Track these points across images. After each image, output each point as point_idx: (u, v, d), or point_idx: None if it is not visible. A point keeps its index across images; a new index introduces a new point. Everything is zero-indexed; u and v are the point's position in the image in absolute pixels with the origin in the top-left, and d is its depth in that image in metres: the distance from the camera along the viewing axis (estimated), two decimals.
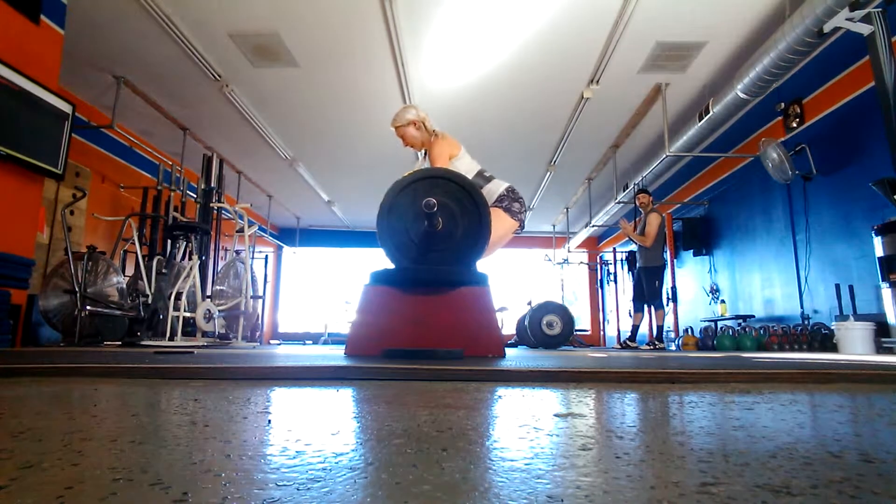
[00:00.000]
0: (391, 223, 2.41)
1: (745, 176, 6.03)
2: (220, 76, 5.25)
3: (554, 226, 10.93)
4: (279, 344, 9.65)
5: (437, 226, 2.31)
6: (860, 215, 4.25)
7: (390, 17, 4.27)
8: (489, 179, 2.93)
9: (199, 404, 0.79)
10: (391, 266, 2.54)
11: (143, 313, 4.32)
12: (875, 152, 4.02)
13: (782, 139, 5.15)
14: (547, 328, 6.39)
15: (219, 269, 6.20)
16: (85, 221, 5.49)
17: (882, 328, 3.81)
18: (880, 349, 3.84)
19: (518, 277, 12.26)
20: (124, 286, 4.54)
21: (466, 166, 2.91)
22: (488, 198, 2.84)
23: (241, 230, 5.19)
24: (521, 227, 2.94)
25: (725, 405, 0.83)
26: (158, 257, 4.66)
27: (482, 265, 2.82)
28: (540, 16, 4.35)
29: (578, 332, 9.55)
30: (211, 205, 5.62)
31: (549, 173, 7.84)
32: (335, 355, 2.34)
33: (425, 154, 3.13)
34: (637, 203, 6.22)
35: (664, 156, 5.95)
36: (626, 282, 9.46)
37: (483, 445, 0.51)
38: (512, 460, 0.44)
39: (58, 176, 3.67)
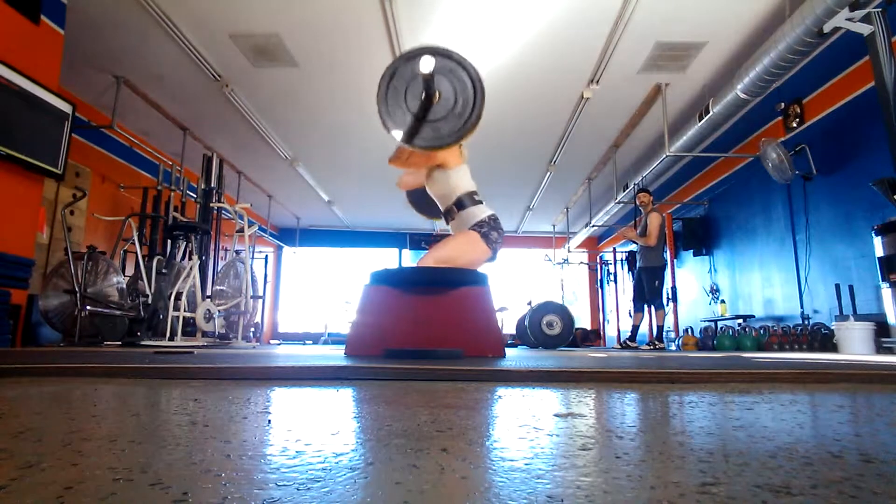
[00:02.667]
0: (391, 89, 2.39)
1: (745, 176, 6.03)
2: (220, 76, 5.25)
3: (554, 226, 10.93)
4: (279, 344, 9.65)
5: (433, 97, 2.30)
6: (860, 215, 4.25)
7: (390, 18, 4.27)
8: (477, 203, 2.86)
9: (199, 404, 0.79)
10: (391, 266, 2.55)
11: (143, 313, 4.32)
12: (875, 152, 4.02)
13: (782, 139, 5.15)
14: (547, 328, 6.39)
15: (219, 269, 6.20)
16: (85, 221, 5.50)
17: (882, 328, 3.81)
18: (880, 349, 3.84)
19: (518, 277, 12.26)
20: (124, 286, 4.54)
21: (465, 182, 2.86)
22: (469, 219, 2.79)
23: (241, 230, 5.20)
24: (493, 256, 2.84)
25: (725, 405, 0.83)
26: (158, 257, 4.66)
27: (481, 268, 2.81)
28: (540, 16, 4.35)
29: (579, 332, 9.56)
30: (211, 205, 5.61)
31: (549, 173, 7.84)
32: (335, 355, 2.34)
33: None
34: (637, 203, 6.22)
35: (664, 156, 5.95)
36: (626, 282, 9.46)
37: (483, 445, 0.51)
38: (512, 460, 0.44)
39: (58, 176, 3.67)
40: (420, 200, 3.50)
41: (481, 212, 2.83)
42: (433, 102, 2.32)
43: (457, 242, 2.76)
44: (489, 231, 2.78)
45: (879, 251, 3.65)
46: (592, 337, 9.97)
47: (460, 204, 2.84)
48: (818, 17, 3.54)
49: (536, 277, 12.00)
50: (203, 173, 5.68)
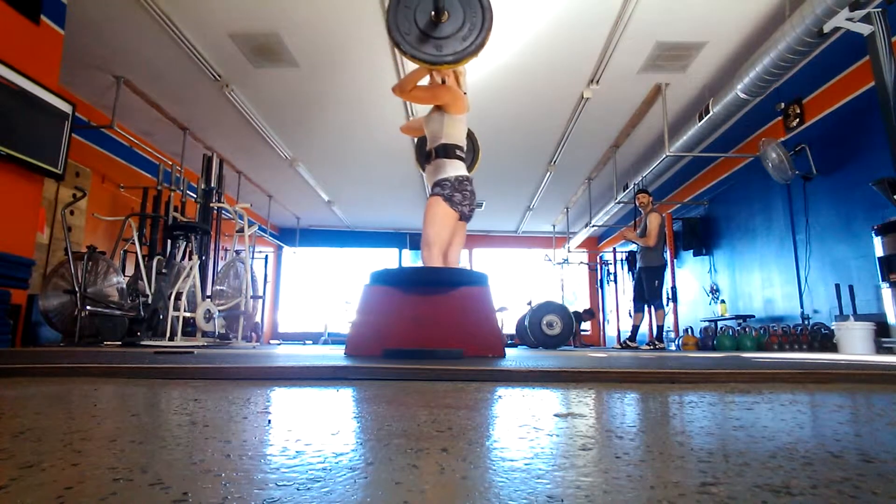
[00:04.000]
0: (399, 14, 2.42)
1: (745, 176, 6.03)
2: (220, 76, 5.25)
3: (554, 226, 10.93)
4: (279, 344, 9.65)
5: (441, 14, 2.35)
6: (860, 215, 4.25)
7: None
8: (455, 158, 2.84)
9: (199, 404, 0.79)
10: (391, 265, 2.55)
11: (143, 313, 4.31)
12: (875, 152, 4.02)
13: (782, 139, 5.15)
14: (547, 328, 6.39)
15: (219, 269, 6.20)
16: (85, 221, 5.49)
17: (882, 328, 3.81)
18: (880, 349, 3.84)
19: (518, 277, 12.26)
20: (124, 286, 4.54)
21: (456, 133, 2.87)
22: (438, 171, 2.82)
23: (241, 230, 5.20)
24: (465, 218, 2.87)
25: (725, 405, 0.83)
26: (158, 257, 4.66)
27: (480, 265, 2.81)
28: (540, 16, 4.35)
29: (581, 333, 9.55)
30: (211, 205, 5.61)
31: (549, 173, 7.84)
32: (335, 355, 2.34)
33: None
34: (637, 203, 6.22)
35: (664, 156, 5.95)
36: (626, 282, 9.46)
37: (483, 445, 0.51)
38: (512, 460, 0.44)
39: (58, 176, 3.67)
40: (422, 151, 3.51)
41: (452, 169, 2.82)
42: (441, 21, 2.38)
43: (426, 218, 2.80)
44: (452, 193, 2.78)
45: (879, 251, 3.65)
46: (587, 316, 9.93)
47: (440, 150, 2.85)
48: (818, 17, 3.54)
49: (536, 277, 12.00)
50: (203, 173, 5.68)
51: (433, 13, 2.40)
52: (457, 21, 2.42)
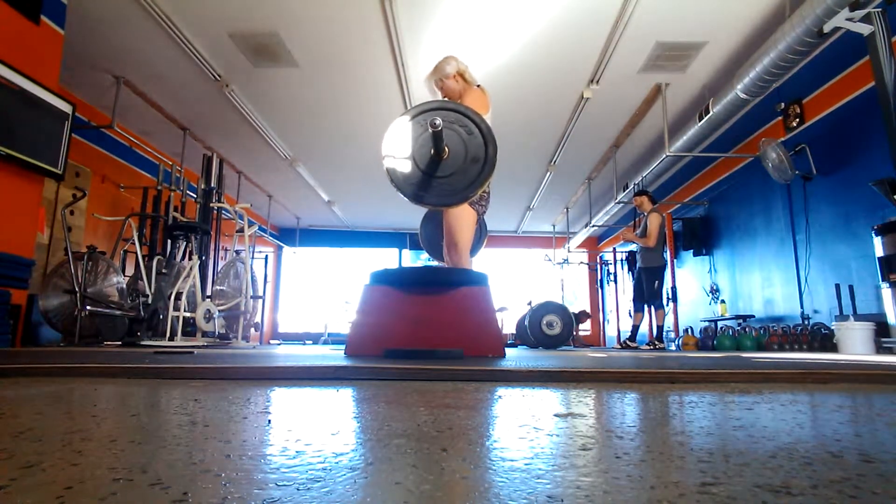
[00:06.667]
0: (399, 145, 2.38)
1: (745, 176, 6.03)
2: (220, 76, 5.24)
3: (554, 226, 10.93)
4: (279, 344, 9.65)
5: (442, 152, 2.28)
6: (860, 215, 4.25)
7: (390, 18, 4.27)
8: None
9: (199, 404, 0.79)
10: (391, 265, 2.55)
11: (143, 313, 4.31)
12: (875, 152, 4.02)
13: (782, 139, 5.15)
14: (547, 328, 6.39)
15: (219, 269, 6.20)
16: (85, 221, 5.50)
17: (882, 328, 3.81)
18: (880, 349, 3.84)
19: (518, 277, 12.26)
20: (124, 286, 4.54)
21: None
22: None
23: (241, 230, 5.20)
24: (479, 216, 2.95)
25: (725, 405, 0.83)
26: (158, 257, 4.66)
27: (480, 265, 2.82)
28: (540, 16, 4.35)
29: (581, 333, 9.54)
30: (211, 205, 5.61)
31: (549, 173, 7.84)
32: (335, 355, 2.34)
33: None
34: (635, 205, 6.22)
35: (664, 156, 5.95)
36: (626, 282, 9.46)
37: (483, 445, 0.51)
38: (512, 460, 0.44)
39: (58, 176, 3.67)
40: None
41: None
42: (443, 158, 2.29)
43: (455, 224, 2.83)
44: None
45: (879, 251, 3.65)
46: (584, 317, 9.94)
47: None
48: (818, 17, 3.54)
49: (536, 277, 12.00)
50: (203, 173, 5.68)
51: (432, 153, 2.29)
52: (458, 153, 2.32)
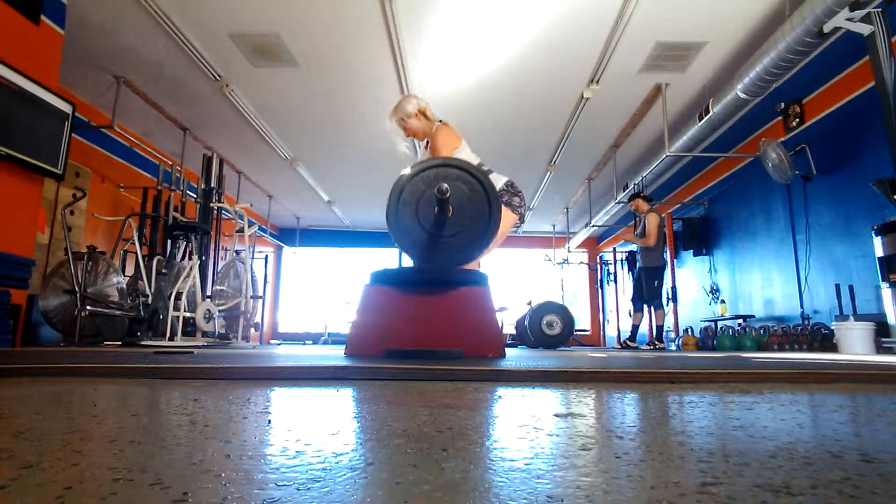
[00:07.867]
0: (400, 214, 2.35)
1: (745, 176, 6.03)
2: (220, 76, 5.25)
3: (554, 226, 10.93)
4: (279, 344, 9.65)
5: (447, 212, 2.26)
6: (860, 215, 4.25)
7: (390, 18, 4.27)
8: (488, 173, 2.92)
9: (199, 404, 0.79)
10: (391, 265, 2.54)
11: (143, 313, 4.31)
12: (875, 152, 4.02)
13: (782, 139, 5.15)
14: (547, 328, 6.39)
15: (219, 269, 6.20)
16: (85, 221, 5.49)
17: (882, 328, 3.80)
18: (880, 349, 3.84)
19: (518, 277, 12.26)
20: (124, 286, 4.54)
21: (466, 158, 2.90)
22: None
23: (241, 230, 5.20)
24: (522, 220, 2.95)
25: (725, 405, 0.83)
26: (158, 257, 4.66)
27: (483, 264, 2.82)
28: (540, 16, 4.35)
29: (578, 332, 9.55)
30: (211, 205, 5.61)
31: (549, 173, 7.84)
32: (335, 355, 2.34)
33: (427, 144, 3.10)
34: (632, 208, 6.22)
35: (664, 156, 5.95)
36: (626, 282, 9.46)
37: (483, 445, 0.51)
38: (512, 460, 0.44)
39: (58, 176, 3.67)
40: None
41: (497, 181, 2.86)
42: (447, 217, 2.27)
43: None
44: (510, 198, 2.87)
45: (879, 251, 3.65)
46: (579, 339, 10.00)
47: None
48: (818, 17, 3.54)
49: (536, 277, 12.00)
50: (203, 173, 5.67)
51: (437, 212, 2.26)
52: (463, 209, 2.29)
